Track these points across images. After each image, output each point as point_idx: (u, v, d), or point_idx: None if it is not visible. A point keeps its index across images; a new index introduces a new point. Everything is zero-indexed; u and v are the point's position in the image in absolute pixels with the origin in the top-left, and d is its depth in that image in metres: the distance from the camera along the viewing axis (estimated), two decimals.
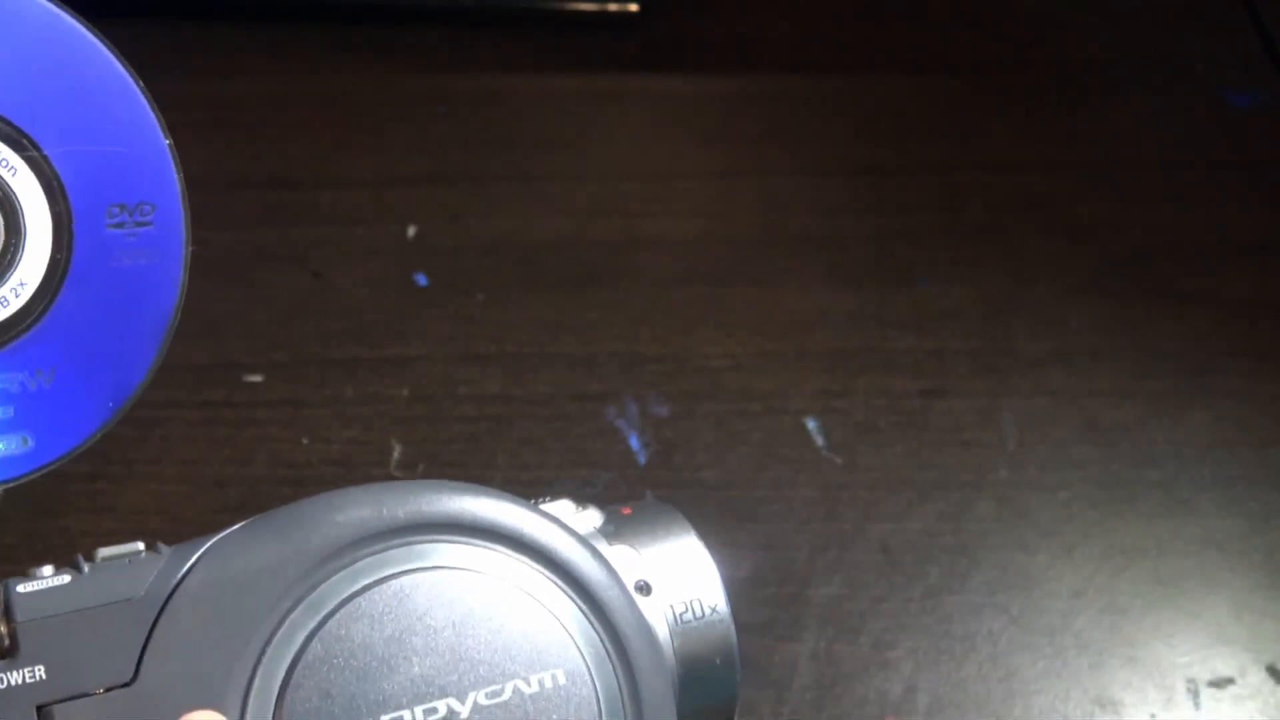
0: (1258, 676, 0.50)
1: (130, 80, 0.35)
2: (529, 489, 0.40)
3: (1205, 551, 0.53)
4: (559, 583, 0.33)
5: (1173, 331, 0.59)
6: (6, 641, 0.29)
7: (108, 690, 0.29)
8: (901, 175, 0.64)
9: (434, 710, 0.31)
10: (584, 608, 0.33)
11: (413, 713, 0.30)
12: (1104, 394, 0.57)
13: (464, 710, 0.31)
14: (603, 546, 0.35)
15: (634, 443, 0.54)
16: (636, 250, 0.60)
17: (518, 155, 0.63)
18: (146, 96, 0.35)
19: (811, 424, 0.55)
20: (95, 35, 0.35)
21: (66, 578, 0.30)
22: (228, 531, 0.32)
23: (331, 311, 0.57)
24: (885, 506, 0.53)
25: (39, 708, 0.29)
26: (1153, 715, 0.49)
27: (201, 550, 0.31)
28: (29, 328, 0.34)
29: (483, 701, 0.31)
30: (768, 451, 0.54)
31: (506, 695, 0.31)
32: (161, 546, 0.32)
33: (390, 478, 0.52)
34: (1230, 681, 0.50)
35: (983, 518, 0.53)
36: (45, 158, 0.34)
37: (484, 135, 0.63)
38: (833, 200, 0.63)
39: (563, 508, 0.36)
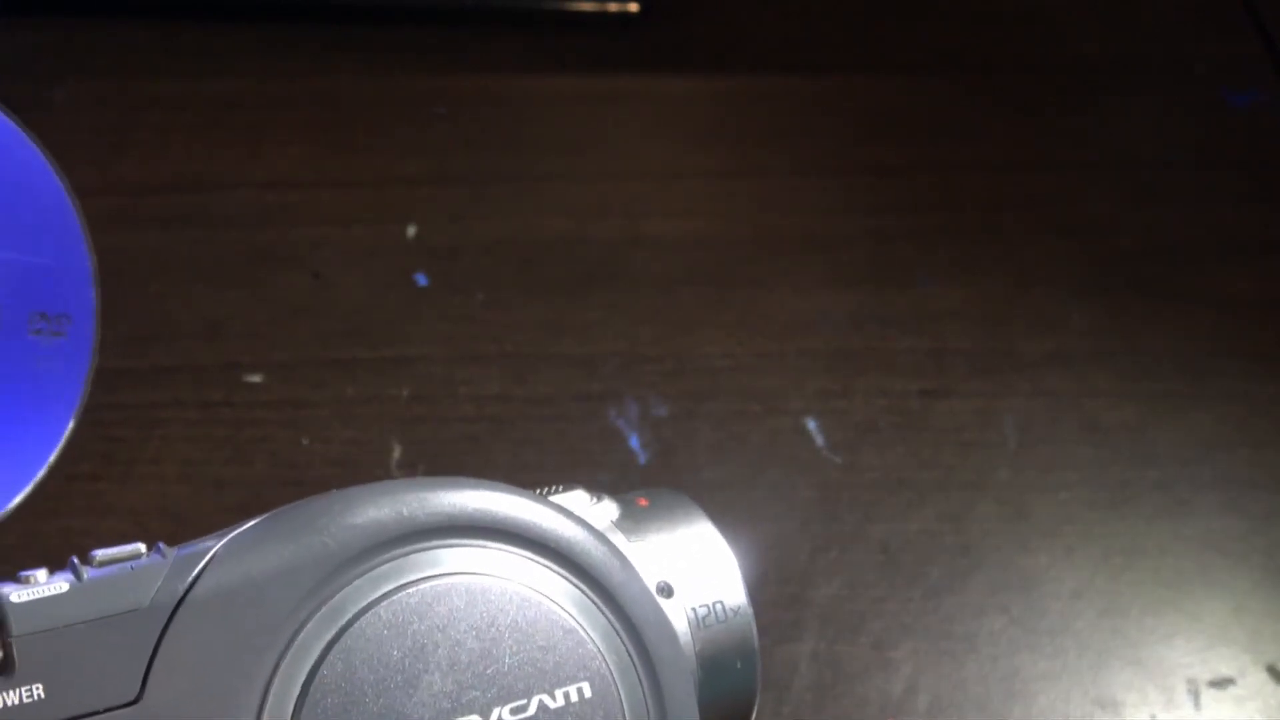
0: (1258, 677, 0.50)
1: (69, 200, 0.37)
2: (531, 487, 0.40)
3: (1205, 552, 0.53)
4: (584, 589, 0.31)
5: (1173, 331, 0.59)
6: (1, 655, 0.28)
7: (110, 710, 0.28)
8: (901, 175, 0.64)
9: None
10: (610, 616, 0.31)
11: None
12: (1104, 394, 0.57)
13: None
14: (621, 544, 0.34)
15: (634, 443, 0.54)
16: (636, 250, 0.60)
17: (518, 155, 0.63)
18: (80, 216, 0.38)
19: (811, 424, 0.55)
20: (44, 153, 0.37)
21: (64, 585, 0.29)
22: (234, 534, 0.30)
23: (331, 311, 0.57)
24: (885, 506, 0.53)
25: None
26: (1153, 716, 0.49)
27: (209, 556, 0.30)
28: None
29: (507, 718, 0.30)
30: (768, 451, 0.54)
31: (531, 711, 0.30)
32: (163, 547, 0.30)
33: (390, 477, 0.52)
34: (1231, 682, 0.50)
35: (983, 518, 0.53)
36: None
37: (484, 135, 0.63)
38: (833, 200, 0.63)
39: (576, 499, 0.35)
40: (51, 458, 0.37)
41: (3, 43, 0.62)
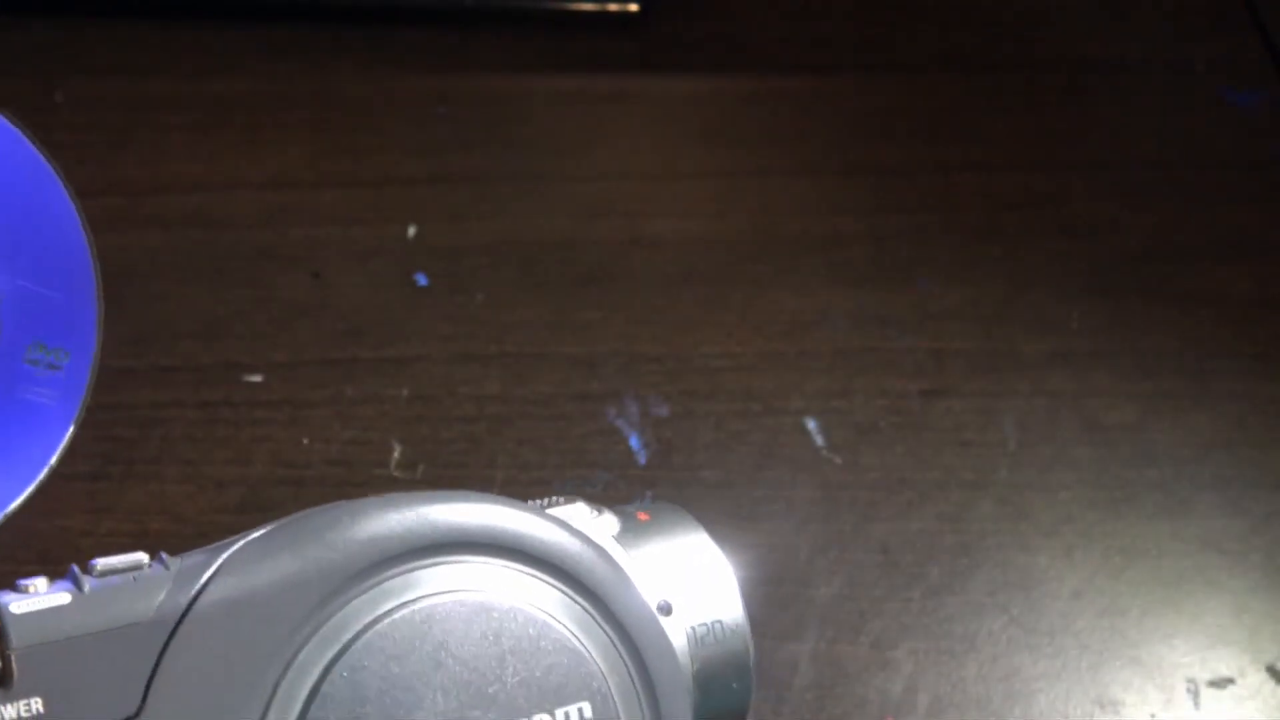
0: (1258, 677, 0.50)
1: (85, 239, 0.38)
2: (530, 489, 0.40)
3: (1205, 552, 0.53)
4: (586, 607, 0.32)
5: (1173, 331, 0.59)
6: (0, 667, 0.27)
7: None
8: (901, 175, 0.64)
9: None
10: (611, 634, 0.32)
11: None
12: (1104, 394, 0.57)
13: None
14: (621, 558, 0.34)
15: (634, 443, 0.54)
16: (636, 250, 0.60)
17: (518, 155, 0.63)
18: (95, 256, 0.38)
19: (811, 424, 0.55)
20: (70, 194, 0.38)
21: (66, 595, 0.28)
22: (238, 545, 0.30)
23: (331, 311, 0.57)
24: (885, 506, 0.53)
25: None
26: (1153, 715, 0.49)
27: (213, 569, 0.29)
28: None
29: None
30: (768, 451, 0.54)
31: None
32: (165, 557, 0.30)
33: (390, 478, 0.52)
34: (1230, 682, 0.50)
35: (983, 518, 0.53)
36: None
37: (484, 135, 0.63)
38: (833, 200, 0.63)
39: (578, 512, 0.34)
40: (24, 494, 0.37)
41: (3, 43, 0.62)
